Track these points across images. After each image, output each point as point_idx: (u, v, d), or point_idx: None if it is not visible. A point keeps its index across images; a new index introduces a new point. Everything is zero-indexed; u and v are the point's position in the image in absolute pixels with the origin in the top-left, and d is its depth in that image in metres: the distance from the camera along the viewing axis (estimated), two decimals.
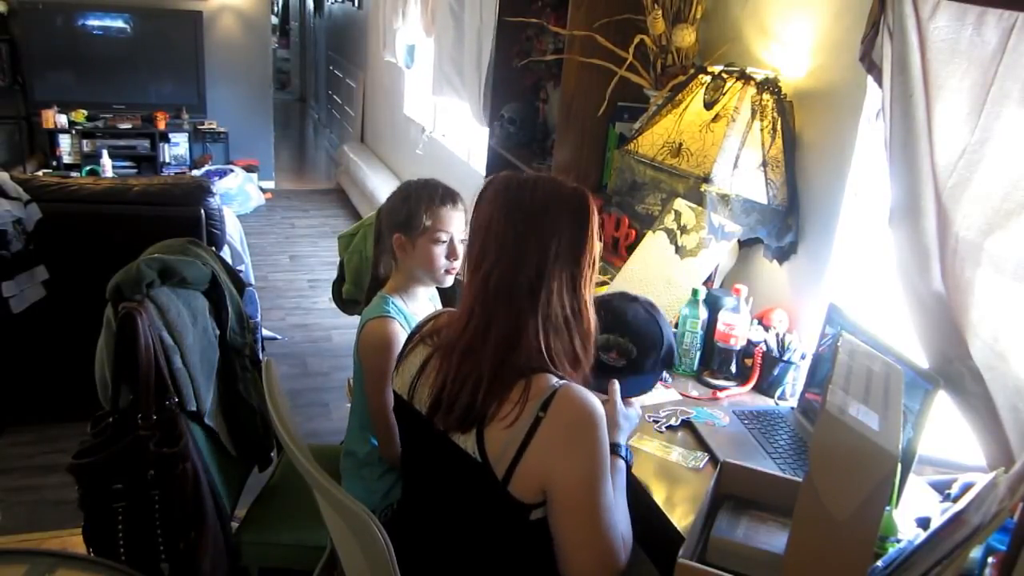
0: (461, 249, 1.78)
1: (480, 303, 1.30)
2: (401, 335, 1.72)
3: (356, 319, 2.03)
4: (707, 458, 1.69)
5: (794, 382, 1.97)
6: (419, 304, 1.88)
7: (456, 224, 1.80)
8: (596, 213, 1.34)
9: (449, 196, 1.80)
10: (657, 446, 1.71)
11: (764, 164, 2.03)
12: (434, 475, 1.40)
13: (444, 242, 1.78)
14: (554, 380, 1.26)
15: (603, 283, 2.31)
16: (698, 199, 2.01)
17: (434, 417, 1.32)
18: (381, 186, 5.85)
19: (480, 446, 1.26)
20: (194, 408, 1.80)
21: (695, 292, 2.04)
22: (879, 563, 1.19)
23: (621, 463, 1.43)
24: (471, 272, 1.32)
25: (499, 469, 1.25)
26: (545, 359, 1.28)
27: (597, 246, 1.33)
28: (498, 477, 1.25)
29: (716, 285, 2.24)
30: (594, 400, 1.25)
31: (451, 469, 1.32)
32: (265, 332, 4.05)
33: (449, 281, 1.85)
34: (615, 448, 1.43)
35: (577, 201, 1.32)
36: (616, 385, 1.54)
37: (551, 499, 1.26)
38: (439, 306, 1.97)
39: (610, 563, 1.27)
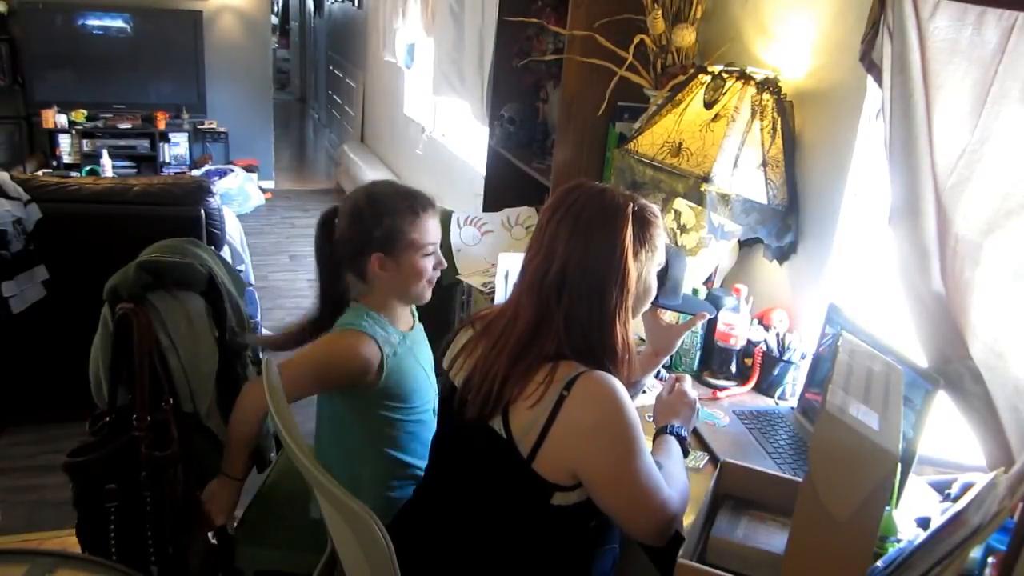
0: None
1: (518, 292, 1.37)
2: (371, 352, 1.63)
3: None
4: (707, 458, 1.69)
5: (794, 382, 1.97)
6: (404, 323, 1.77)
7: (437, 231, 1.68)
8: (638, 239, 1.33)
9: (428, 202, 1.67)
10: None
11: (764, 164, 2.03)
12: (461, 454, 1.44)
13: (431, 253, 1.67)
14: (581, 367, 1.29)
15: None
16: (698, 199, 2.00)
17: (466, 396, 1.37)
18: None
19: (505, 424, 1.30)
20: (191, 409, 1.80)
21: (695, 292, 2.04)
22: (879, 563, 1.19)
23: (672, 438, 1.49)
24: (522, 266, 1.38)
25: (524, 447, 1.29)
26: (568, 351, 1.31)
27: (634, 272, 1.33)
28: (523, 455, 1.29)
29: (716, 285, 2.24)
30: (617, 381, 1.29)
31: (478, 447, 1.36)
32: (265, 332, 4.04)
33: (428, 296, 1.73)
34: (667, 428, 1.50)
35: (611, 216, 1.32)
36: (688, 379, 1.61)
37: (586, 479, 1.30)
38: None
39: (662, 519, 1.32)
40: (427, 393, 1.78)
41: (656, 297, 1.56)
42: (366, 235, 1.62)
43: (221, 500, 1.74)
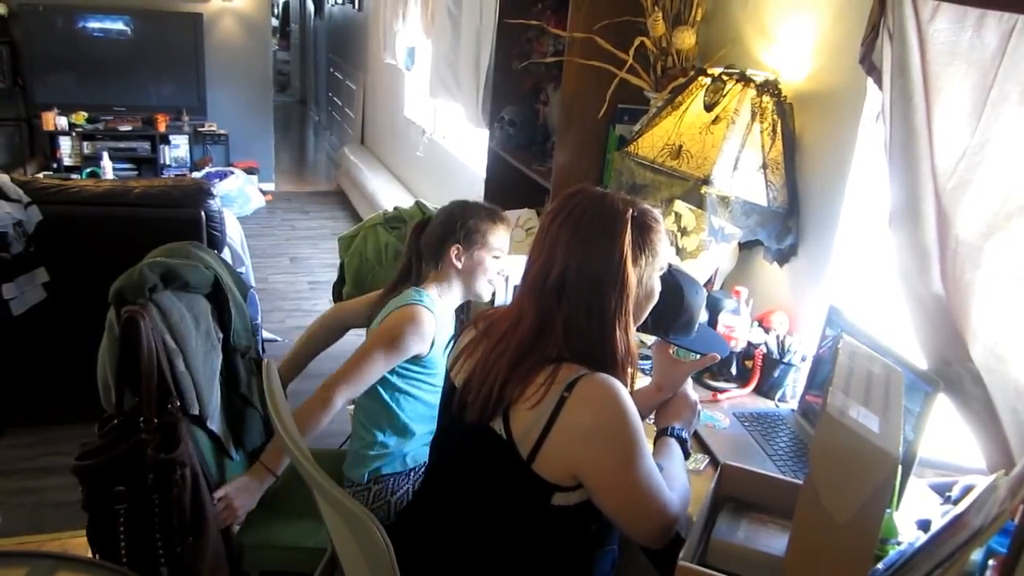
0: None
1: (520, 296, 1.37)
2: (431, 326, 1.83)
3: None
4: (707, 460, 1.70)
5: (794, 384, 1.97)
6: (448, 311, 1.95)
7: (508, 242, 1.98)
8: (637, 244, 1.32)
9: (505, 218, 1.98)
10: None
11: (764, 166, 2.03)
12: (461, 455, 1.43)
13: (498, 258, 1.95)
14: (582, 370, 1.29)
15: None
16: (698, 201, 2.01)
17: (466, 398, 1.37)
18: (381, 188, 5.85)
19: (506, 425, 1.30)
20: (196, 412, 1.80)
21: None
22: (879, 565, 1.19)
23: (673, 440, 1.49)
24: (524, 270, 1.39)
25: (524, 448, 1.29)
26: (569, 355, 1.31)
27: (634, 277, 1.32)
28: (523, 456, 1.29)
29: (716, 287, 2.25)
30: (619, 384, 1.29)
31: (478, 448, 1.36)
32: (265, 334, 4.04)
33: (488, 295, 1.98)
34: (668, 430, 1.51)
35: (610, 221, 1.31)
36: (690, 381, 1.61)
37: (587, 482, 1.30)
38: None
39: (663, 522, 1.32)
40: (440, 366, 1.94)
41: (668, 332, 1.57)
42: (451, 230, 1.92)
43: (250, 493, 1.81)
